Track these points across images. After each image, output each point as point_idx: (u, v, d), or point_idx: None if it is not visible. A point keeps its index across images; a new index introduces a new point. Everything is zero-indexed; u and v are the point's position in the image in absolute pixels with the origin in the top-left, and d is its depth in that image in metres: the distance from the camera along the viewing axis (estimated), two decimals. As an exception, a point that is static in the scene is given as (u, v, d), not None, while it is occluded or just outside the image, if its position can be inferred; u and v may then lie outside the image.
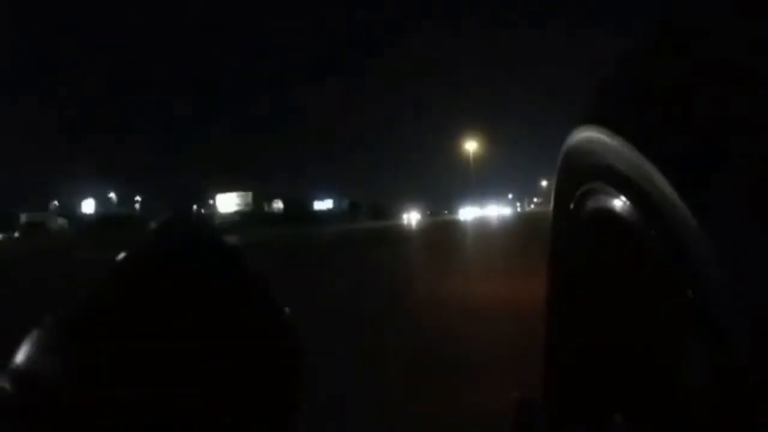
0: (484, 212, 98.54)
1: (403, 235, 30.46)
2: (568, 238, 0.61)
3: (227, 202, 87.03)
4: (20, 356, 0.31)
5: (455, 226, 40.33)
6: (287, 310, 0.37)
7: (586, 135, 0.46)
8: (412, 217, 76.59)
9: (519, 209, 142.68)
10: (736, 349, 0.27)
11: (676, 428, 0.42)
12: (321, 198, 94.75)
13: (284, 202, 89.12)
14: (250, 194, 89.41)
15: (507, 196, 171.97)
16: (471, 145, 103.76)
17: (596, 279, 0.57)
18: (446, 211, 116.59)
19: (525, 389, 0.65)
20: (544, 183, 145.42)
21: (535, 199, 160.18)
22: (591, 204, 0.52)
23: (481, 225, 38.97)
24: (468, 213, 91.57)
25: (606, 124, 0.41)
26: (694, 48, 0.34)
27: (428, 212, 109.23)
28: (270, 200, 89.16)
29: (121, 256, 0.36)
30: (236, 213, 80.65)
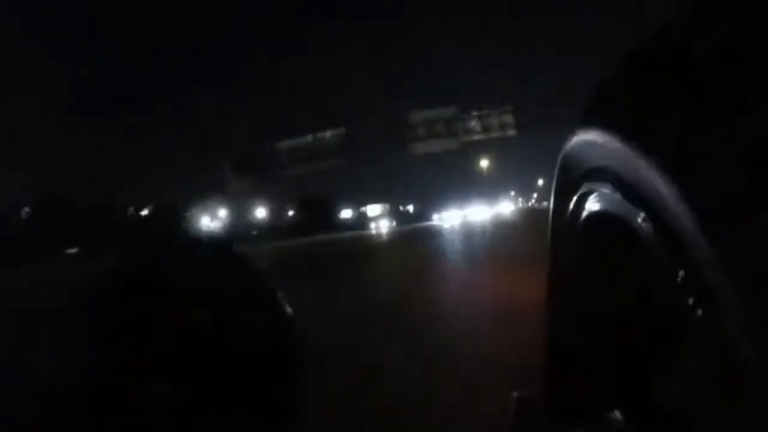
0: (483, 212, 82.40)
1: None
2: (567, 239, 0.62)
3: (373, 210, 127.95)
4: (35, 356, 0.31)
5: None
6: (290, 310, 0.36)
7: (585, 137, 0.46)
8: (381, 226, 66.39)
9: (521, 204, 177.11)
10: (736, 348, 0.27)
11: (676, 427, 0.42)
12: (405, 204, 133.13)
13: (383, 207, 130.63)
14: (388, 205, 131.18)
15: (510, 193, 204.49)
16: (485, 162, 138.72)
17: (596, 279, 0.57)
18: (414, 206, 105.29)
19: (525, 389, 0.65)
20: (540, 182, 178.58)
21: (534, 195, 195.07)
22: (589, 205, 0.52)
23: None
24: (454, 216, 71.32)
25: (605, 127, 0.41)
26: (692, 49, 0.34)
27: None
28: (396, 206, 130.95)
29: (119, 263, 0.36)
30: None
